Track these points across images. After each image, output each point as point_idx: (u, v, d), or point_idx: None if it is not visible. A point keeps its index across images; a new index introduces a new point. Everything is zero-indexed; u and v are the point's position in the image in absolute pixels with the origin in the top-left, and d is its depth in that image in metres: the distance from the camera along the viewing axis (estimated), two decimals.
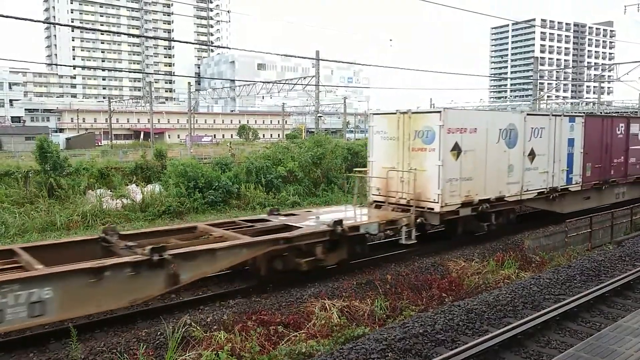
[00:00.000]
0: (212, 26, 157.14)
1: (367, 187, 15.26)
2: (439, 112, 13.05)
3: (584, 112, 17.36)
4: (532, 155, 15.47)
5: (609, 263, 12.47)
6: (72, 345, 7.67)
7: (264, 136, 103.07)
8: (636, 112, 55.16)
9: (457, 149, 13.18)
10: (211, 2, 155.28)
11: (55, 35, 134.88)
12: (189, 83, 54.31)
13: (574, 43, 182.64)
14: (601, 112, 47.83)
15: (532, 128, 15.40)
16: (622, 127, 19.44)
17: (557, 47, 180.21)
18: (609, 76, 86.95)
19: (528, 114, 15.54)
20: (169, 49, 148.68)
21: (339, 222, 11.04)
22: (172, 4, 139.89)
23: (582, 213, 17.48)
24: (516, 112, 16.09)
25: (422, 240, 14.13)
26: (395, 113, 14.06)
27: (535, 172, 15.67)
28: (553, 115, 16.62)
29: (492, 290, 10.61)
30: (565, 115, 17.09)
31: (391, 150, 14.12)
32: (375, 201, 14.54)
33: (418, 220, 13.18)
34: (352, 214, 13.47)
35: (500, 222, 15.01)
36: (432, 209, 13.15)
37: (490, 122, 14.17)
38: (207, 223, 12.09)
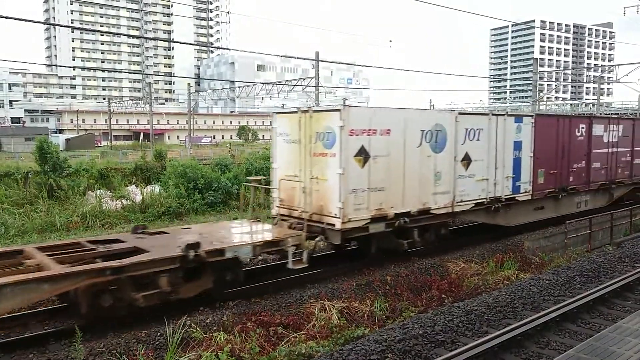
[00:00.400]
0: (212, 27, 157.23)
1: (271, 199, 13.48)
2: (339, 110, 11.11)
3: (534, 112, 15.11)
4: (467, 160, 13.53)
5: (608, 264, 12.48)
6: (76, 345, 7.66)
7: (263, 137, 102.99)
8: (636, 113, 55.20)
9: (363, 154, 11.25)
10: (211, 3, 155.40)
11: (55, 36, 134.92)
12: (189, 84, 54.41)
13: (573, 44, 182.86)
14: (601, 114, 47.79)
15: (467, 129, 13.47)
16: (582, 128, 17.39)
17: (557, 48, 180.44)
18: (608, 77, 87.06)
19: (460, 113, 13.56)
20: (168, 49, 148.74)
21: (193, 246, 9.14)
22: (171, 5, 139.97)
23: (536, 226, 16.19)
24: (445, 111, 14.03)
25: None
26: (296, 112, 12.31)
27: (472, 180, 13.73)
28: (493, 114, 14.46)
29: (491, 292, 10.63)
30: (509, 115, 14.99)
31: (293, 156, 12.26)
32: (280, 215, 12.62)
33: (318, 239, 11.53)
34: (240, 232, 11.41)
35: (427, 239, 13.15)
36: (334, 225, 11.21)
37: (409, 123, 12.14)
38: (38, 245, 10.08)
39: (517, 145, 15.08)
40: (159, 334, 8.40)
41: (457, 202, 13.45)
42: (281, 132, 12.79)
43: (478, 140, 13.83)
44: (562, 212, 17.25)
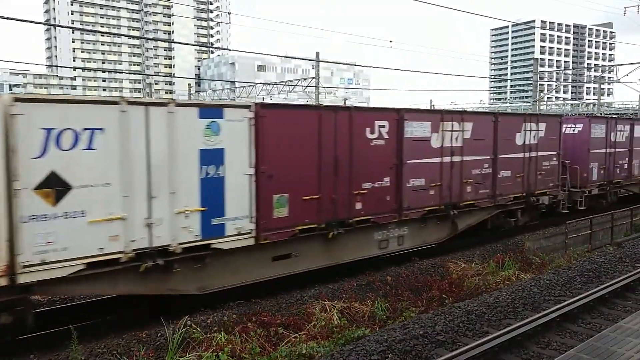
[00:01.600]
0: (212, 27, 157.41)
1: None
2: None
3: (256, 102, 10.14)
4: (54, 187, 7.81)
5: (609, 264, 12.49)
6: (73, 346, 7.66)
7: None
8: (636, 113, 55.19)
9: None
10: (211, 4, 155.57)
11: (55, 37, 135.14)
12: (189, 84, 54.46)
13: (573, 44, 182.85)
14: (601, 114, 47.50)
15: (50, 130, 7.77)
16: (382, 127, 11.77)
17: (557, 48, 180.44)
18: (609, 78, 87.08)
19: (18, 99, 7.65)
20: (169, 50, 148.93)
21: None
22: (172, 6, 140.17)
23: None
24: None
25: None
26: None
27: (76, 223, 7.98)
28: (132, 103, 8.59)
29: (492, 292, 10.64)
30: (182, 105, 9.16)
31: None
32: None
33: None
34: None
35: None
36: None
37: None
38: None
39: (211, 157, 9.38)
40: (159, 334, 8.40)
41: (28, 266, 7.62)
42: None
43: (90, 149, 8.14)
44: (345, 256, 11.66)
